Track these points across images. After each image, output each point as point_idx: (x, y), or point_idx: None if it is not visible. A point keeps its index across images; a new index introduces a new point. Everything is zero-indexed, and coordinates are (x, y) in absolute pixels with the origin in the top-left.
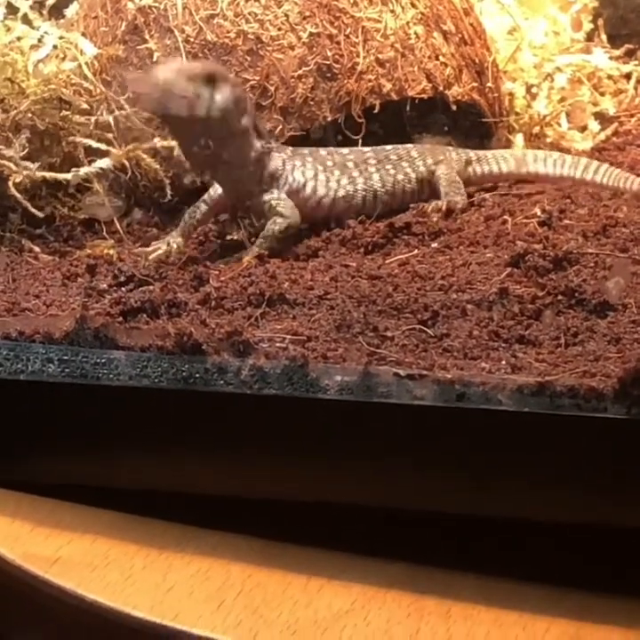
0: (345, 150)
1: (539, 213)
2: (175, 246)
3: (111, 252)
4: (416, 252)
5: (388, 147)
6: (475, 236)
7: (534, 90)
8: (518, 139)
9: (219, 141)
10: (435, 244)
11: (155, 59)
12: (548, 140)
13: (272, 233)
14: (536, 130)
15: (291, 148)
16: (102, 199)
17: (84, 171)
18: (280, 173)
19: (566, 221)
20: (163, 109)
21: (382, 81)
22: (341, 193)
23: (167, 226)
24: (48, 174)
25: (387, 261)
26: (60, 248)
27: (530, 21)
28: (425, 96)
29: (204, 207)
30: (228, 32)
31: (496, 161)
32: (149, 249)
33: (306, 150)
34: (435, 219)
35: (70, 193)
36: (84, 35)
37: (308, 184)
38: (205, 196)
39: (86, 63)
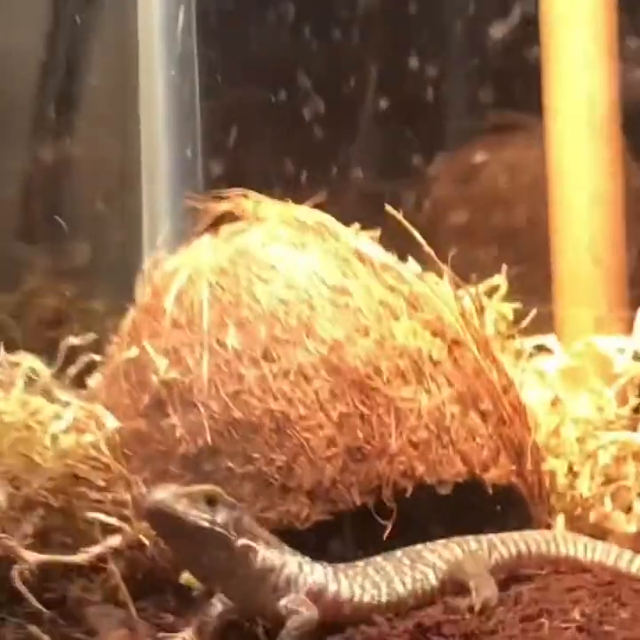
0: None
1: (577, 617)
2: None
3: None
4: None
5: (399, 552)
6: None
7: (577, 467)
8: (559, 521)
9: (220, 560)
10: None
11: (178, 434)
12: (591, 521)
13: (290, 632)
14: (578, 511)
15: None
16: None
17: (93, 550)
18: (297, 576)
19: (607, 627)
20: (163, 532)
21: (415, 463)
22: (366, 598)
23: (184, 612)
24: (53, 557)
25: None
26: (71, 634)
27: (573, 394)
28: (460, 479)
29: (219, 606)
30: (255, 409)
31: (524, 542)
32: None
33: None
34: (467, 616)
35: (84, 573)
36: (105, 406)
37: (329, 587)
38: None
39: (107, 437)
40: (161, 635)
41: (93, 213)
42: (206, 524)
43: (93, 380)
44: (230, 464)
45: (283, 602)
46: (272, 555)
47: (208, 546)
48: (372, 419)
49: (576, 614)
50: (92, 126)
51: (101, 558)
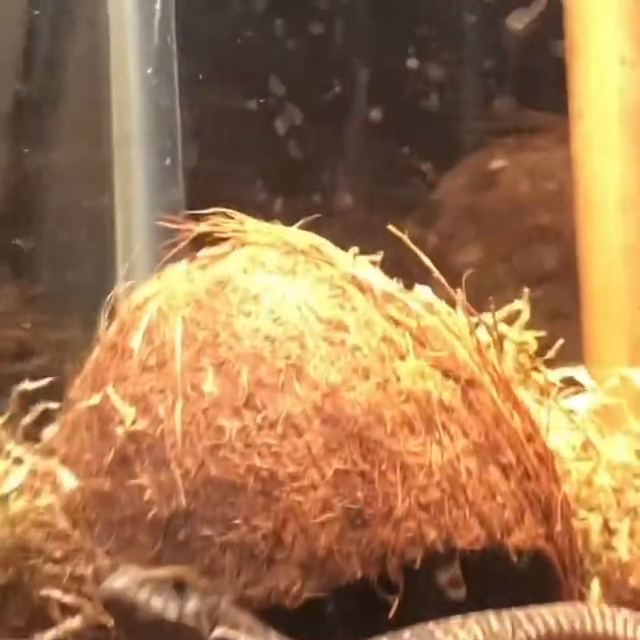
0: None
1: None
2: None
3: None
4: None
5: (407, 633)
6: None
7: (613, 523)
8: (594, 588)
9: None
10: None
11: (147, 496)
12: (632, 586)
13: None
14: (616, 575)
15: None
16: None
17: (49, 634)
18: None
19: None
20: (123, 624)
21: (425, 528)
22: None
23: None
24: None
25: None
26: None
27: (607, 437)
28: (478, 546)
29: None
30: (236, 467)
31: (554, 618)
32: None
33: None
34: None
35: None
36: (63, 462)
37: None
38: None
39: (65, 499)
40: None
41: (60, 230)
42: (173, 616)
43: (50, 431)
44: (208, 531)
45: None
46: None
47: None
48: (373, 476)
49: None
50: (57, 132)
51: None
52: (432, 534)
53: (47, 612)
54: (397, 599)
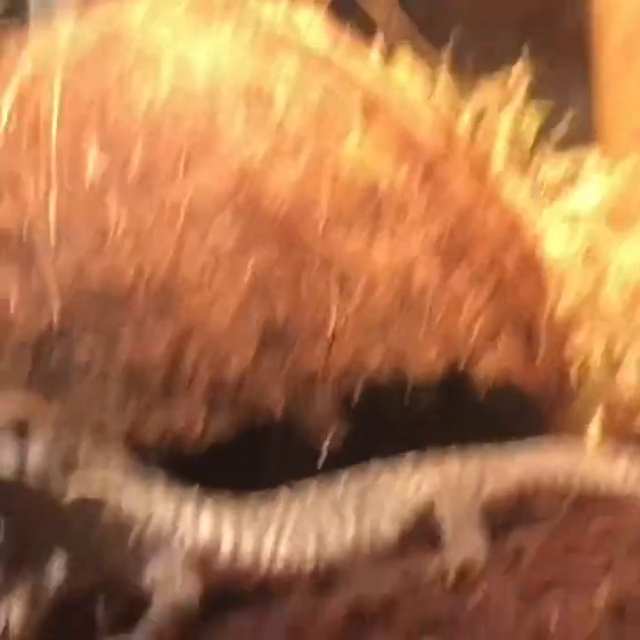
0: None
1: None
2: None
3: None
4: None
5: (340, 481)
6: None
7: (619, 349)
8: (591, 428)
9: (43, 521)
10: None
11: (11, 310)
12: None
13: (154, 618)
14: (619, 415)
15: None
16: None
17: None
18: (171, 531)
19: None
20: None
21: (367, 351)
22: (281, 561)
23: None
24: None
25: None
26: None
27: (619, 240)
28: (436, 375)
29: (57, 572)
30: (123, 272)
31: (532, 464)
32: None
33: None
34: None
35: None
36: None
37: (222, 546)
38: None
39: None
40: None
41: None
42: (8, 473)
43: None
44: (85, 355)
45: (149, 570)
46: (132, 499)
47: (18, 504)
48: (300, 284)
49: (605, 586)
50: None
51: None
52: (376, 357)
53: None
54: (328, 440)
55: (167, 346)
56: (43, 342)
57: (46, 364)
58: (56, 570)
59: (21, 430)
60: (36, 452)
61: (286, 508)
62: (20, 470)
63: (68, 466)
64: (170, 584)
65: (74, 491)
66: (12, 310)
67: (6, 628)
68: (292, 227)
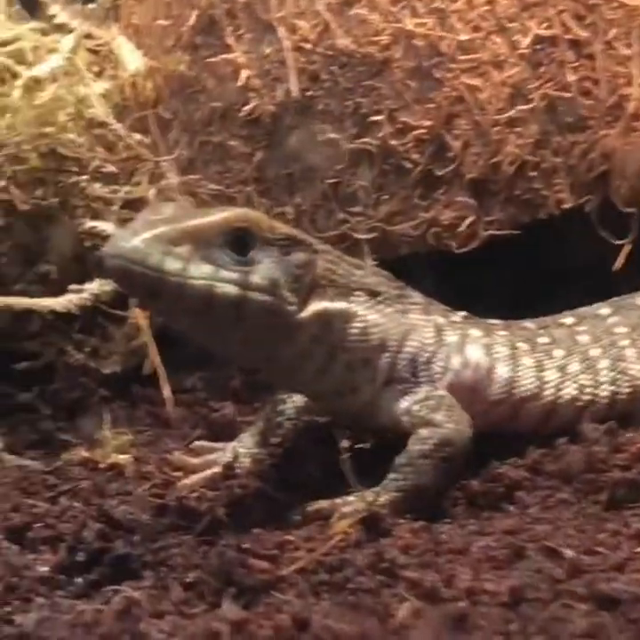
0: (568, 318)
1: None
2: (245, 461)
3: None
4: None
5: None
6: None
7: None
8: None
9: (274, 341)
10: None
11: (241, 82)
12: None
13: (415, 459)
14: None
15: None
16: None
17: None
18: (433, 354)
19: None
20: (150, 295)
21: None
22: (569, 390)
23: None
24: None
25: None
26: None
27: None
28: None
29: (293, 402)
30: (378, 33)
31: None
32: (197, 461)
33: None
34: None
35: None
36: (126, 33)
37: (497, 370)
38: None
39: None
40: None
41: None
42: (222, 291)
43: None
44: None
45: (404, 403)
46: (382, 319)
47: (244, 319)
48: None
49: None
50: None
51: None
52: None
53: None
54: None
55: (433, 120)
56: (280, 117)
57: (283, 145)
58: (291, 397)
59: (243, 242)
60: (263, 266)
61: (570, 329)
62: (244, 285)
63: (308, 279)
64: (431, 419)
65: (312, 308)
66: (243, 81)
67: (235, 459)
68: None
